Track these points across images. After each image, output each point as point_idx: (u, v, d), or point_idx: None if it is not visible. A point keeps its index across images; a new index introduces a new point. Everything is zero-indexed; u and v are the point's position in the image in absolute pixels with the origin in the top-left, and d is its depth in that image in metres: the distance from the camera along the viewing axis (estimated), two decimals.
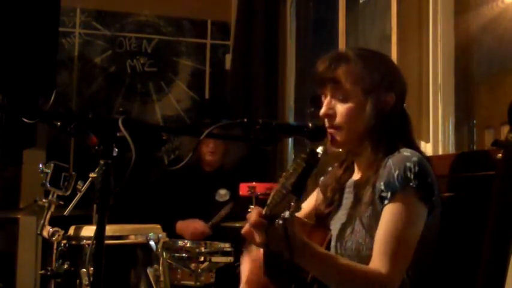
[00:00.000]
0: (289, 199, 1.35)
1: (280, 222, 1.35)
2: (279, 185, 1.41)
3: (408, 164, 1.56)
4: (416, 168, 1.55)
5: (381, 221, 1.56)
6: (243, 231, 1.52)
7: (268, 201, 1.43)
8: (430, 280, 1.62)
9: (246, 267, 1.83)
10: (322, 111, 1.69)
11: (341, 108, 1.67)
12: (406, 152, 1.59)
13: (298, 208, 1.35)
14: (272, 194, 1.43)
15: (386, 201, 1.56)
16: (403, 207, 1.54)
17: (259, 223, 1.44)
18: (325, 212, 1.78)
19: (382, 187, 1.57)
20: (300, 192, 1.35)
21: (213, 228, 3.18)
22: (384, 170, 1.59)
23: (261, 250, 1.54)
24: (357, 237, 1.63)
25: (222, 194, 3.43)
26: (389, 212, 1.55)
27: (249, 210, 2.84)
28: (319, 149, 1.44)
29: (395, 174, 1.55)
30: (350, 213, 1.69)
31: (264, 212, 1.43)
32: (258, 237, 1.46)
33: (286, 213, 1.34)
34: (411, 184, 1.54)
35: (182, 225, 3.24)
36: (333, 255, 1.61)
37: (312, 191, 1.91)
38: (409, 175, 1.55)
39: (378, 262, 1.53)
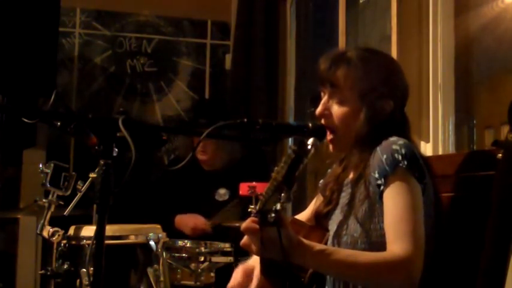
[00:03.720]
0: (280, 191, 1.35)
1: (273, 215, 1.34)
2: (271, 179, 1.41)
3: (394, 147, 1.56)
4: (403, 150, 1.55)
5: (384, 210, 1.56)
6: (241, 243, 1.53)
7: (262, 196, 1.43)
8: (430, 274, 1.61)
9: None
10: (318, 110, 1.70)
11: (337, 111, 1.67)
12: (392, 138, 1.60)
13: (289, 199, 1.35)
14: (265, 188, 1.43)
15: (382, 187, 1.56)
16: (398, 188, 1.54)
17: (249, 227, 1.46)
18: (324, 211, 1.77)
19: (376, 175, 1.57)
20: (290, 183, 1.35)
21: (213, 229, 3.18)
22: (373, 159, 1.60)
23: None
24: (352, 232, 1.62)
25: (222, 193, 3.43)
26: (387, 197, 1.55)
27: (249, 209, 2.88)
28: (310, 141, 1.45)
29: (384, 159, 1.56)
30: (345, 211, 1.69)
31: (257, 207, 1.43)
32: (253, 245, 1.48)
33: (278, 206, 1.34)
34: (401, 165, 1.54)
35: (182, 220, 3.21)
36: (334, 250, 1.57)
37: (315, 195, 1.91)
38: (397, 156, 1.55)
39: (392, 247, 1.51)
